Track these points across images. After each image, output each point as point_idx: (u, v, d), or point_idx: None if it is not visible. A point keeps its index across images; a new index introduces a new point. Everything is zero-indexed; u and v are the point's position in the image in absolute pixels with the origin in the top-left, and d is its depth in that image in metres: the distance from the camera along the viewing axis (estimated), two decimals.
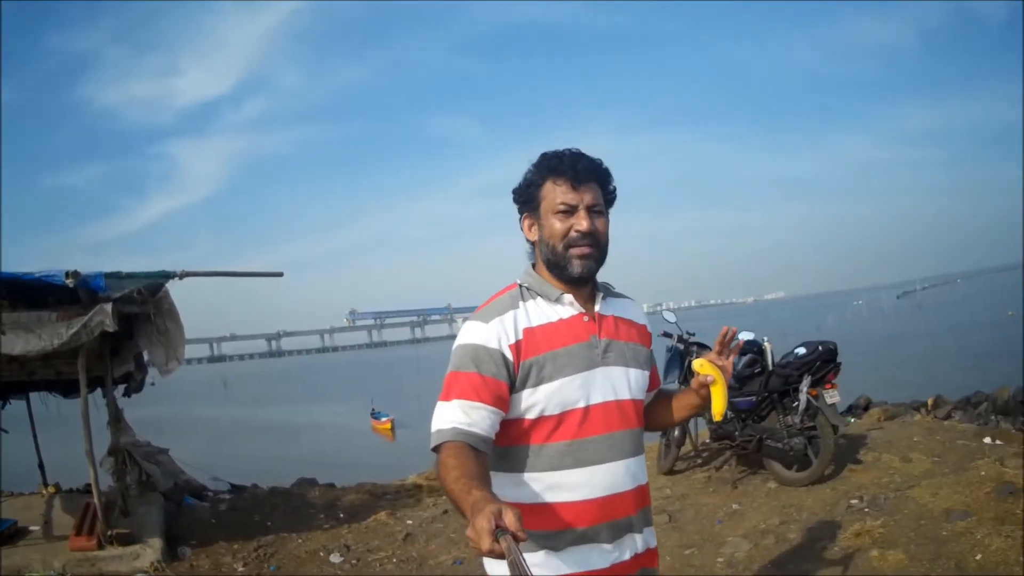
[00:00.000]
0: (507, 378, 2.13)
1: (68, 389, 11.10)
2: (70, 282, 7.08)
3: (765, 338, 7.70)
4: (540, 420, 2.18)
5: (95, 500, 8.04)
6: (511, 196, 2.36)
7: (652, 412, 2.51)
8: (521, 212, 2.33)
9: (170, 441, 12.00)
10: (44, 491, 11.65)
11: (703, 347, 7.80)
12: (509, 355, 2.14)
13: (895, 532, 5.52)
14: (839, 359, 7.03)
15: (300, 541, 8.26)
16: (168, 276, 8.05)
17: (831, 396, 6.91)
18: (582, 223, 2.18)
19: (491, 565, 2.16)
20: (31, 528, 8.88)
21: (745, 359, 7.50)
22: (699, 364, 2.31)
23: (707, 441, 8.31)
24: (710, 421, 7.66)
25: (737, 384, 7.43)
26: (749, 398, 7.38)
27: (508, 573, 1.58)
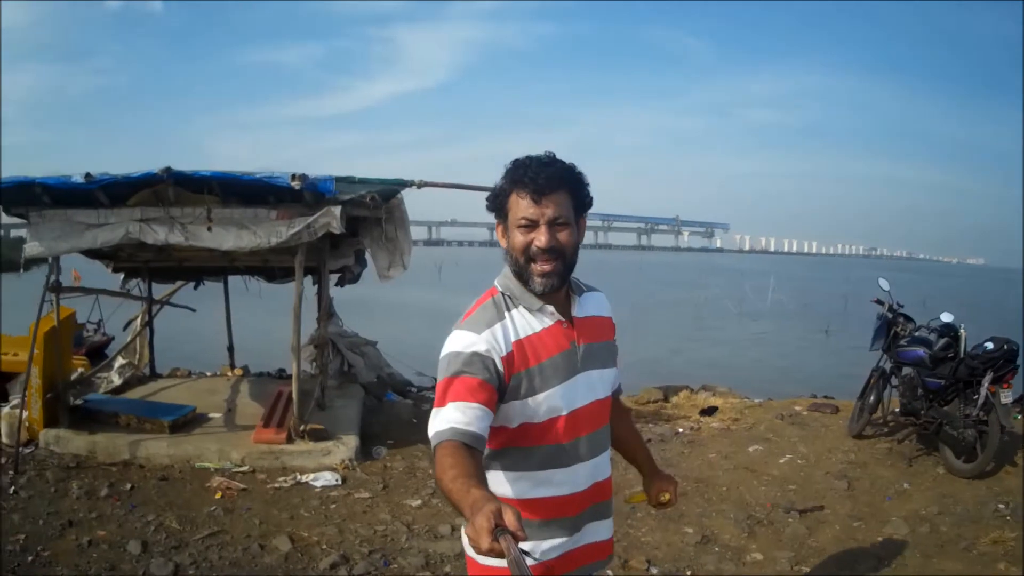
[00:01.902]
0: (497, 385, 2.15)
1: (272, 274, 11.15)
2: (296, 184, 6.85)
3: (962, 324, 7.62)
4: (529, 427, 2.25)
5: (293, 391, 7.82)
6: (487, 202, 2.36)
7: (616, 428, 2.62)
8: (496, 219, 2.33)
9: (371, 325, 11.79)
10: (230, 374, 11.94)
11: (908, 319, 8.22)
12: (500, 366, 2.17)
13: None
14: (1019, 362, 7.08)
15: None
16: (404, 184, 7.75)
17: (1005, 396, 6.93)
18: (541, 239, 2.18)
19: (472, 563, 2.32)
20: (211, 415, 8.83)
21: (942, 342, 7.51)
22: (667, 496, 2.66)
23: (895, 411, 8.33)
24: None
25: (931, 365, 7.52)
26: (939, 381, 7.40)
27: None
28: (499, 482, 2.27)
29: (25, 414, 7.55)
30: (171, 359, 13.09)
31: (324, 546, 5.70)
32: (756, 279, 56.77)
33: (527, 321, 2.26)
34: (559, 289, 2.28)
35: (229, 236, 7.28)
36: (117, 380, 10.41)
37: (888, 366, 8.17)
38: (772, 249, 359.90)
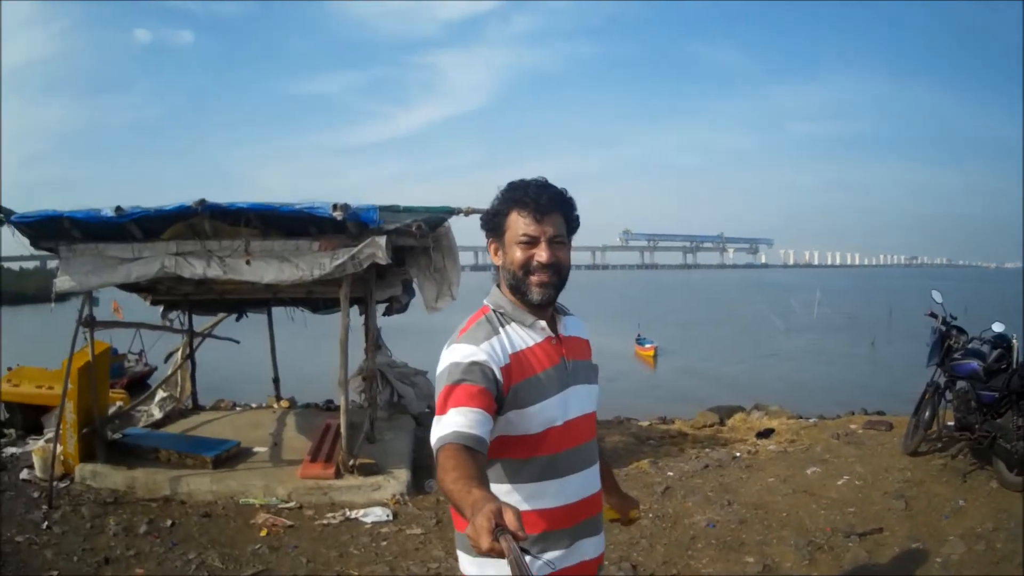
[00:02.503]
0: (496, 394, 2.17)
1: (316, 305, 10.90)
2: (338, 215, 6.69)
3: (1015, 335, 7.51)
4: (524, 438, 2.27)
5: (341, 425, 7.56)
6: (481, 221, 2.45)
7: None
8: (488, 237, 2.41)
9: (421, 354, 11.59)
10: (276, 405, 11.64)
11: (962, 331, 7.96)
12: (499, 376, 2.19)
13: None
14: None
15: None
16: (451, 212, 7.56)
17: None
18: (543, 254, 2.28)
19: (467, 566, 2.32)
20: (255, 450, 8.62)
21: (995, 353, 7.35)
22: (634, 513, 2.80)
23: (949, 424, 8.03)
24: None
25: (985, 377, 7.32)
26: (993, 393, 7.18)
27: (483, 574, 2.13)
28: (496, 494, 2.18)
29: (59, 448, 7.44)
30: (215, 391, 12.96)
31: None
32: (801, 293, 57.82)
33: (520, 336, 2.32)
34: (553, 301, 2.38)
35: (270, 269, 7.15)
36: (158, 414, 10.21)
37: (942, 380, 7.94)
38: (816, 263, 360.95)
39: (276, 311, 11.72)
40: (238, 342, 11.83)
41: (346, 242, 7.05)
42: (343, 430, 7.53)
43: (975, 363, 7.37)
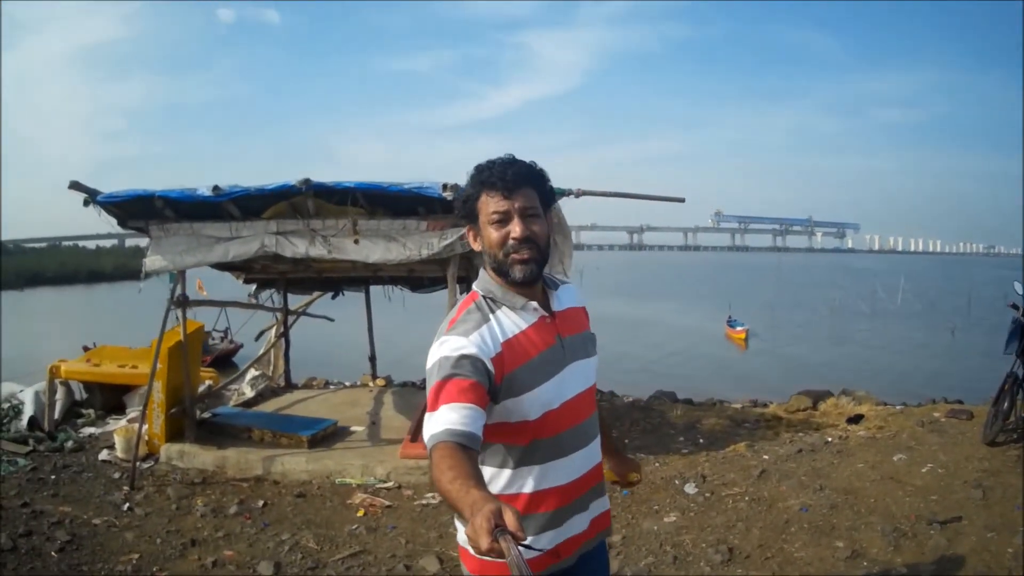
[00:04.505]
0: (488, 386, 2.14)
1: (416, 284, 10.68)
2: (448, 194, 6.53)
3: None
4: (524, 423, 2.26)
5: None
6: (456, 211, 2.55)
7: None
8: (466, 224, 2.38)
9: None
10: (372, 384, 11.40)
11: None
12: (491, 367, 2.15)
13: None
14: None
15: (657, 465, 7.82)
16: (563, 193, 7.40)
17: None
18: (516, 229, 2.24)
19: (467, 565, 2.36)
20: (353, 429, 8.40)
21: None
22: (634, 476, 2.83)
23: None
24: None
25: None
26: None
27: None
28: (503, 480, 2.30)
29: (145, 428, 7.31)
30: (308, 368, 12.87)
31: None
32: (886, 279, 58.33)
33: (512, 320, 2.29)
34: (538, 278, 2.33)
35: (377, 248, 7.01)
36: (249, 392, 10.08)
37: (1021, 372, 7.83)
38: (900, 248, 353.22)
39: (373, 289, 11.55)
40: (333, 320, 11.70)
41: (455, 221, 6.91)
42: None
43: None
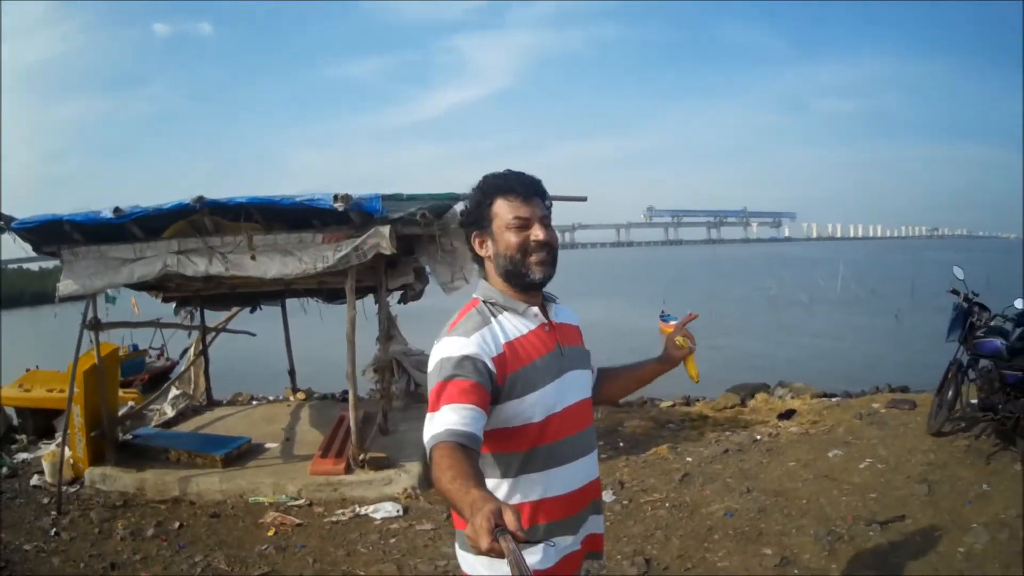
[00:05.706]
0: (490, 387, 2.16)
1: (331, 295, 10.80)
2: (339, 206, 6.58)
3: None
4: (527, 427, 2.27)
5: (351, 421, 7.50)
6: (461, 219, 2.48)
7: (610, 386, 2.79)
8: (471, 231, 2.40)
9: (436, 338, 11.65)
10: (292, 398, 11.56)
11: (984, 309, 7.73)
12: (493, 368, 2.18)
13: None
14: None
15: None
16: (456, 199, 7.43)
17: None
18: (539, 233, 2.30)
19: (467, 565, 2.31)
20: (267, 446, 8.54)
21: (1018, 332, 7.19)
22: (681, 339, 2.81)
23: (973, 403, 7.79)
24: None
25: (1008, 356, 7.08)
26: (1017, 373, 6.95)
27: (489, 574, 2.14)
28: (504, 491, 2.29)
29: (68, 453, 7.39)
30: (232, 384, 12.91)
31: None
32: (824, 267, 57.05)
33: (514, 324, 2.32)
34: (550, 280, 2.38)
35: (273, 264, 7.09)
36: (170, 412, 10.15)
37: (965, 359, 7.74)
38: (839, 235, 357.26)
39: (290, 302, 11.63)
40: (255, 335, 11.77)
41: (351, 233, 6.98)
42: (352, 424, 7.47)
43: (998, 341, 7.18)
